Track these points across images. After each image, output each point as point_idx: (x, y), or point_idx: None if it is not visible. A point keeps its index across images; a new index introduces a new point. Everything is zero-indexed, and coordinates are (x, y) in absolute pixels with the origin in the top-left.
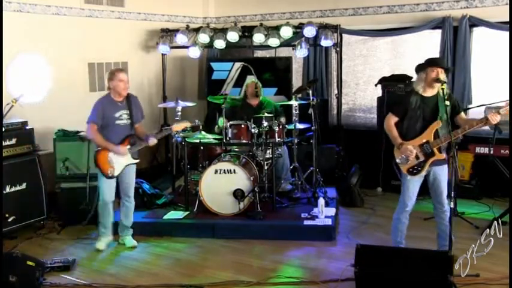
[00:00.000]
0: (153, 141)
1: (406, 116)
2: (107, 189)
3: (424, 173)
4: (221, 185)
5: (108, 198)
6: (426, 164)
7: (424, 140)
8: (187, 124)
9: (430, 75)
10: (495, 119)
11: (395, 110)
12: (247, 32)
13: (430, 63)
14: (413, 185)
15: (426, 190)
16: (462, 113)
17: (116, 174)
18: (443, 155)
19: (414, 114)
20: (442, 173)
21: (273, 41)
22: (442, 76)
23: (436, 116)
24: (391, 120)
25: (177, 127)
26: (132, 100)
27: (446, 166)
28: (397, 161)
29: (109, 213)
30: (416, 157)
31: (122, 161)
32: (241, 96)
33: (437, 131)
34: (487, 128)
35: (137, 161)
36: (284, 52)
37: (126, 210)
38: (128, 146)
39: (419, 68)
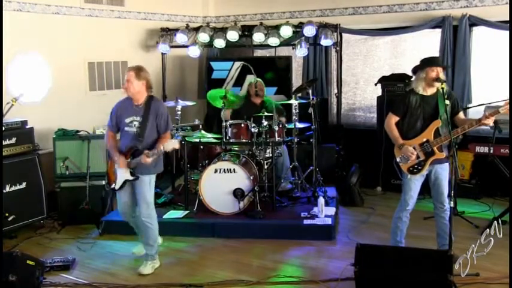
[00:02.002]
0: (145, 159)
1: (407, 115)
2: (119, 201)
3: (424, 171)
4: (221, 184)
5: (123, 208)
6: (426, 163)
7: (425, 139)
8: (176, 145)
9: (430, 75)
10: (488, 121)
11: (396, 109)
12: (247, 31)
13: (429, 63)
14: (414, 184)
15: (426, 189)
16: (461, 113)
17: (116, 187)
18: (444, 154)
19: (415, 113)
20: (444, 172)
21: (273, 40)
22: (442, 75)
23: (436, 114)
24: (392, 119)
25: (165, 147)
26: (152, 106)
27: (447, 165)
28: (398, 160)
29: (134, 224)
30: (417, 156)
31: (121, 174)
32: (244, 94)
33: (437, 129)
34: (487, 127)
35: (133, 178)
36: (284, 51)
37: (138, 225)
38: (128, 159)
39: (418, 68)
